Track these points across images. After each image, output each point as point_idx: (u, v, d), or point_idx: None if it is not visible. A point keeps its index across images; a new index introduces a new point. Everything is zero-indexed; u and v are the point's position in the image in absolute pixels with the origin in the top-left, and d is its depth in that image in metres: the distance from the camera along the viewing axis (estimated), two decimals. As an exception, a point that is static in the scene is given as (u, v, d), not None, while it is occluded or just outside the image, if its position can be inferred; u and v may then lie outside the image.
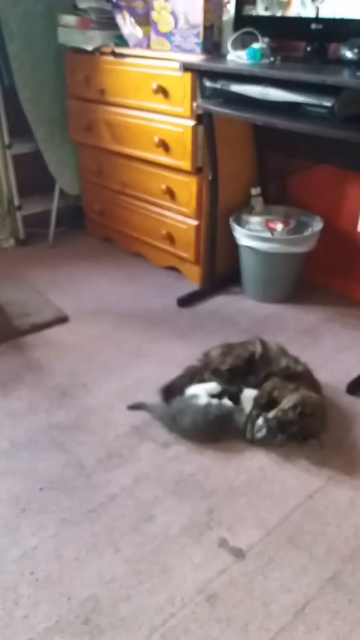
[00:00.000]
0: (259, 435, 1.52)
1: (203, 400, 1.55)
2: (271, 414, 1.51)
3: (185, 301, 2.29)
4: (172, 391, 1.69)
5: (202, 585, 1.20)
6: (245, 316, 2.21)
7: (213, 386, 1.60)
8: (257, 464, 1.51)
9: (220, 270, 2.36)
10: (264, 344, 1.71)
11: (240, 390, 1.59)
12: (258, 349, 1.68)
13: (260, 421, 1.52)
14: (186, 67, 1.83)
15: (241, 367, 1.65)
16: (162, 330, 2.12)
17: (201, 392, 1.58)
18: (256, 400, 1.57)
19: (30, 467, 1.49)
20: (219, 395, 1.57)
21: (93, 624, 1.13)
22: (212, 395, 1.57)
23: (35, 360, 1.93)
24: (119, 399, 1.74)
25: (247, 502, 1.40)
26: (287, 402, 1.52)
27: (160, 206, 2.36)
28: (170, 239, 2.37)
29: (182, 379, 1.72)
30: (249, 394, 1.59)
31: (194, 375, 1.71)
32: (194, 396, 1.57)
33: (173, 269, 2.49)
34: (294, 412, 1.48)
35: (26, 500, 1.39)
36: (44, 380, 1.83)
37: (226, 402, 1.57)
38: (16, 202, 2.68)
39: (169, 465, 1.50)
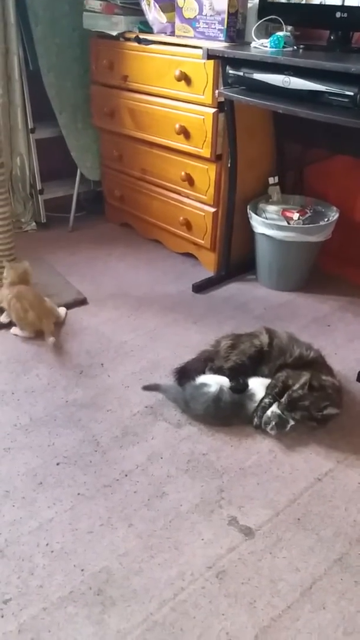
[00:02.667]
0: (269, 429, 1.54)
1: (214, 388, 1.58)
2: (283, 398, 1.54)
3: (201, 287, 2.32)
4: (185, 374, 1.72)
5: (212, 562, 1.24)
6: (259, 303, 2.23)
7: (224, 381, 1.61)
8: (267, 447, 1.54)
9: (236, 257, 2.38)
10: (271, 334, 1.72)
11: (244, 385, 1.60)
12: (264, 340, 1.69)
13: (269, 413, 1.55)
14: (210, 55, 1.84)
15: (245, 365, 1.66)
16: (177, 315, 2.15)
17: (212, 381, 1.60)
18: (269, 388, 1.59)
19: (48, 442, 1.54)
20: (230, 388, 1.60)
21: (105, 595, 1.17)
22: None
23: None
24: (134, 380, 1.78)
25: (257, 482, 1.43)
26: (297, 384, 1.55)
27: (179, 193, 2.38)
28: (188, 225, 2.39)
29: (196, 362, 1.75)
30: (259, 382, 1.62)
31: (207, 360, 1.74)
32: (205, 384, 1.60)
33: (189, 255, 2.52)
34: (303, 388, 1.51)
35: (43, 474, 1.44)
36: (63, 359, 1.87)
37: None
38: (38, 186, 2.72)
39: (181, 445, 1.54)
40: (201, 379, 1.63)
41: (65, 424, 1.60)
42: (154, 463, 1.48)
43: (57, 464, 1.47)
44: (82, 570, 1.22)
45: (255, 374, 1.66)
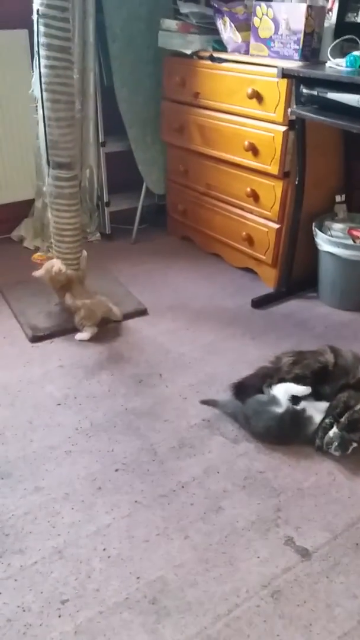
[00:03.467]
0: (332, 450, 1.51)
1: (280, 408, 1.55)
2: (343, 418, 1.51)
3: (260, 303, 2.31)
4: (243, 389, 1.72)
5: (267, 580, 1.23)
6: (320, 322, 2.20)
7: (297, 389, 1.58)
8: (326, 468, 1.51)
9: (297, 274, 2.36)
10: (336, 353, 1.69)
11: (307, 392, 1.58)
12: (330, 359, 1.67)
13: (331, 433, 1.52)
14: (285, 74, 1.85)
15: (307, 378, 1.63)
16: (235, 329, 2.15)
17: (281, 396, 1.57)
18: (330, 409, 1.56)
19: (107, 448, 1.57)
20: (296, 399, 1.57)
21: (160, 605, 1.17)
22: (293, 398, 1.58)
23: (115, 348, 2.01)
24: (192, 392, 1.79)
25: (314, 504, 1.41)
26: (356, 404, 1.53)
27: (243, 208, 2.39)
28: (250, 240, 2.40)
29: (254, 378, 1.74)
30: (318, 406, 1.59)
31: (265, 376, 1.72)
32: (273, 401, 1.57)
33: (248, 270, 2.52)
34: None
35: (102, 480, 1.47)
36: (123, 367, 1.91)
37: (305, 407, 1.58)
38: (105, 198, 2.80)
39: (238, 461, 1.54)
40: (272, 391, 1.60)
41: (125, 431, 1.63)
42: (210, 477, 1.49)
43: (116, 470, 1.50)
44: (138, 578, 1.23)
45: (317, 392, 1.64)
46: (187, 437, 1.61)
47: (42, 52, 1.83)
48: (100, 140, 2.66)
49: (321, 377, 1.64)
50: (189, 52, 2.35)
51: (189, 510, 1.39)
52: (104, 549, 1.29)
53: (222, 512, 1.39)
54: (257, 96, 2.09)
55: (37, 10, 1.78)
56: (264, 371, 1.75)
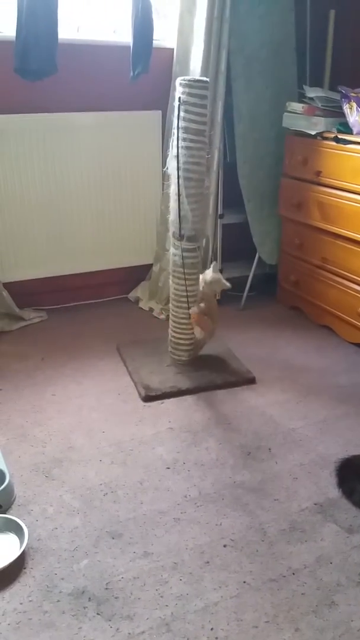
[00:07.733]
0: None
1: None
2: None
3: (375, 383, 2.24)
4: (349, 466, 1.67)
5: None
6: None
7: None
8: None
9: None
10: None
11: None
12: None
13: None
14: None
15: None
16: (349, 408, 2.08)
17: None
18: None
19: (215, 521, 1.55)
20: None
21: None
22: None
23: (223, 415, 2.02)
24: (303, 472, 1.74)
25: None
26: None
27: (360, 284, 2.37)
28: (366, 317, 2.35)
29: None
30: None
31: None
32: None
33: (363, 347, 2.47)
34: None
35: (210, 554, 1.45)
36: (231, 436, 1.90)
37: None
38: (218, 266, 2.88)
39: (353, 553, 1.45)
40: None
41: (232, 506, 1.61)
42: (322, 567, 1.42)
43: (224, 546, 1.47)
44: (245, 667, 1.18)
45: None
46: (297, 521, 1.56)
47: (180, 135, 1.98)
48: (219, 213, 2.78)
49: None
50: (313, 132, 2.44)
51: (300, 600, 1.33)
52: (212, 629, 1.26)
53: (335, 608, 1.31)
54: (382, 177, 2.11)
55: (179, 99, 1.95)
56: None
